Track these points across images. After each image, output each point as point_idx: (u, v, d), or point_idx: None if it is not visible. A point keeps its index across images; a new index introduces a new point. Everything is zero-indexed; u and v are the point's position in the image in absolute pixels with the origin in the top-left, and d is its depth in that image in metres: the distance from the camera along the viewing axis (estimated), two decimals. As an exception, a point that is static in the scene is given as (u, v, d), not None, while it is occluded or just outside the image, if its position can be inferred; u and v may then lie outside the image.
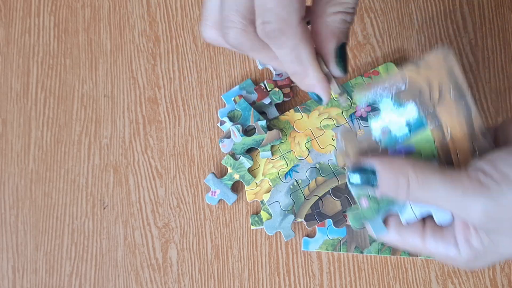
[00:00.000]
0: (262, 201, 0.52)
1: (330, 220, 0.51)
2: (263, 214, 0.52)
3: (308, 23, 0.38)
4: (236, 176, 0.52)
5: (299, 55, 0.33)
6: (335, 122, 0.53)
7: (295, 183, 0.52)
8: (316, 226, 0.52)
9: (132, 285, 0.53)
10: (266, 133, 0.52)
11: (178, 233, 0.53)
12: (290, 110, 0.53)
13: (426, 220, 0.38)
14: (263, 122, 0.52)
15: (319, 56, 0.34)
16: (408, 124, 0.35)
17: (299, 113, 0.53)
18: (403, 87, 0.35)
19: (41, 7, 0.59)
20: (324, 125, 0.53)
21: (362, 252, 0.51)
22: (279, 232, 0.52)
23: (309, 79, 0.35)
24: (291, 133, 0.53)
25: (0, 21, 0.59)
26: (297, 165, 0.52)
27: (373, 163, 0.35)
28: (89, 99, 0.56)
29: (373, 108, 0.52)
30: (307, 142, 0.53)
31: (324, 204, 0.51)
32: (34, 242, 0.54)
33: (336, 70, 0.35)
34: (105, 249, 0.53)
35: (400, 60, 0.55)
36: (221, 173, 0.54)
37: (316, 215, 0.51)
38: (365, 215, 0.37)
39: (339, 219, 0.51)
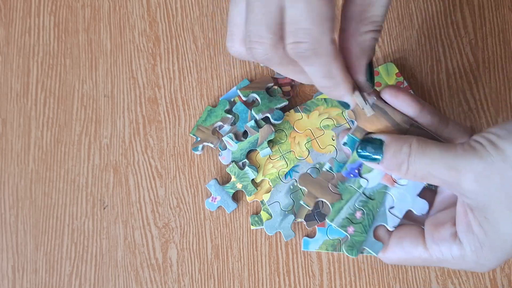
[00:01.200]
0: (262, 201, 0.52)
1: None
2: (263, 214, 0.52)
3: None
4: (239, 186, 0.52)
5: (330, 71, 0.34)
6: (335, 122, 0.53)
7: (295, 183, 0.52)
8: (316, 226, 0.52)
9: (132, 285, 0.53)
10: (258, 132, 0.52)
11: (178, 233, 0.53)
12: (290, 111, 0.53)
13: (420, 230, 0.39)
14: (251, 123, 0.52)
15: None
16: (345, 145, 0.39)
17: (299, 113, 0.53)
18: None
19: (41, 7, 0.59)
20: (324, 125, 0.53)
21: (362, 253, 0.51)
22: (279, 232, 0.52)
23: (338, 91, 0.36)
24: (291, 133, 0.53)
25: (0, 21, 0.59)
26: (297, 165, 0.52)
27: (382, 135, 0.38)
28: (89, 99, 0.56)
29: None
30: (307, 142, 0.53)
31: (324, 204, 0.51)
32: (34, 242, 0.54)
33: (366, 86, 0.37)
34: (105, 249, 0.53)
35: (400, 60, 0.55)
36: (222, 180, 0.54)
37: (316, 215, 0.51)
38: (356, 240, 0.40)
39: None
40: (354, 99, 0.37)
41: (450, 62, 0.55)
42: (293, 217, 0.51)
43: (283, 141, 0.53)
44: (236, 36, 0.35)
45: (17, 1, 0.59)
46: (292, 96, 0.55)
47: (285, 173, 0.52)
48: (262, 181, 0.53)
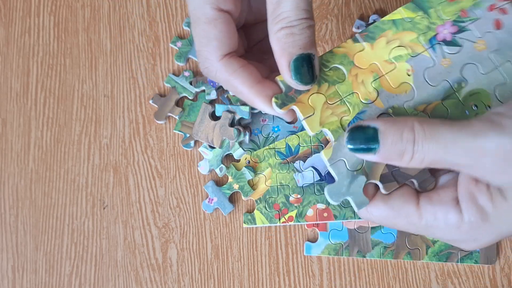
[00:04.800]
0: (256, 200, 0.52)
1: (336, 222, 0.51)
2: (257, 214, 0.52)
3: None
4: (236, 186, 0.52)
5: (234, 87, 0.36)
6: (410, 52, 0.39)
7: None
8: (318, 230, 0.52)
9: (132, 285, 0.52)
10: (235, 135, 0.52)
11: (178, 233, 0.53)
12: (347, 41, 0.40)
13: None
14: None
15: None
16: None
17: (359, 44, 0.39)
18: None
19: (41, 7, 0.59)
20: (396, 56, 0.39)
21: (364, 257, 0.51)
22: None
23: (255, 105, 0.36)
24: (352, 69, 0.39)
25: (0, 21, 0.59)
26: (363, 111, 0.39)
27: (374, 122, 0.34)
28: (89, 99, 0.56)
29: (460, 29, 0.39)
30: (374, 80, 0.39)
31: None
32: (34, 242, 0.54)
33: (293, 83, 0.35)
34: (105, 249, 0.53)
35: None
36: (221, 183, 0.54)
37: (394, 175, 0.38)
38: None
39: (425, 179, 0.38)
40: (281, 112, 0.36)
41: (450, 62, 0.55)
42: (365, 179, 0.37)
43: (341, 81, 0.39)
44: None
45: (17, 1, 0.59)
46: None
47: (348, 121, 0.39)
48: (258, 180, 0.53)
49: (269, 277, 0.52)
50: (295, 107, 0.37)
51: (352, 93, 0.39)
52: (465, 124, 0.31)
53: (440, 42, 0.39)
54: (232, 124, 0.52)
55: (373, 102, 0.39)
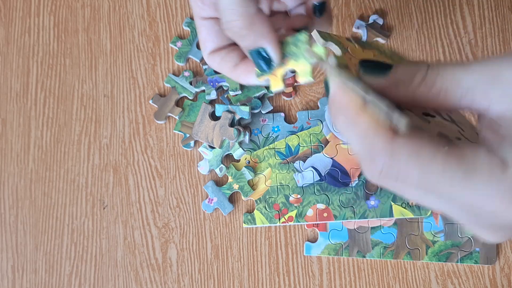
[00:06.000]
0: (256, 200, 0.52)
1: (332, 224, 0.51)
2: (256, 214, 0.52)
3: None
4: (236, 186, 0.52)
5: (223, 72, 0.39)
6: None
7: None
8: (317, 230, 0.52)
9: (131, 285, 0.52)
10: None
11: (178, 233, 0.53)
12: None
13: None
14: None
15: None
16: None
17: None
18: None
19: (41, 7, 0.59)
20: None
21: (364, 257, 0.51)
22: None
23: (242, 80, 0.38)
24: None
25: (0, 21, 0.59)
26: None
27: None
28: (89, 99, 0.56)
29: None
30: None
31: None
32: (34, 242, 0.54)
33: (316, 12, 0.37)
34: (104, 249, 0.53)
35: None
36: (221, 183, 0.54)
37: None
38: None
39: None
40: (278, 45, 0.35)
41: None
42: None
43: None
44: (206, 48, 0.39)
45: (17, 1, 0.59)
46: (293, 97, 0.55)
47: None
48: (258, 180, 0.53)
49: (269, 277, 0.52)
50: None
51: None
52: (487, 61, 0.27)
53: None
54: (232, 124, 0.52)
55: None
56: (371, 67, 0.29)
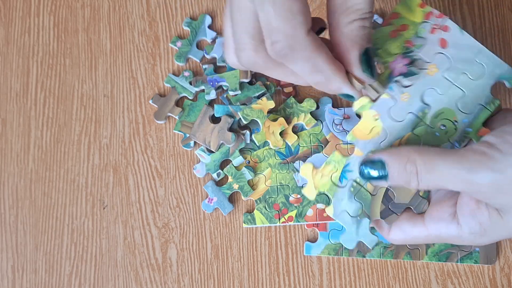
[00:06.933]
0: (256, 200, 0.52)
1: (335, 223, 0.51)
2: (256, 214, 0.52)
3: (320, 31, 0.39)
4: (235, 186, 0.52)
5: (315, 65, 0.34)
6: (369, 100, 0.41)
7: (354, 184, 0.42)
8: (317, 230, 0.52)
9: (131, 285, 0.52)
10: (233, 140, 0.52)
11: (178, 233, 0.53)
12: (262, 98, 0.52)
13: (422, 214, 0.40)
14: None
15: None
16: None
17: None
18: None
19: (41, 7, 0.59)
20: (359, 108, 0.41)
21: (364, 257, 0.51)
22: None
23: (333, 84, 0.35)
24: (266, 122, 0.52)
25: (0, 21, 0.59)
26: (347, 164, 0.41)
27: (380, 155, 0.37)
28: (89, 99, 0.56)
29: (412, 60, 0.41)
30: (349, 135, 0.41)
31: (395, 193, 0.42)
32: (34, 242, 0.54)
33: (364, 77, 0.36)
34: (104, 249, 0.53)
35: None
36: (221, 183, 0.54)
37: (392, 208, 0.42)
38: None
39: (419, 202, 0.42)
40: (355, 90, 0.37)
41: (450, 62, 0.55)
42: (368, 220, 0.42)
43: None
44: (230, 47, 0.36)
45: (17, 1, 0.59)
46: (294, 96, 0.54)
47: (338, 177, 0.42)
48: (257, 181, 0.53)
49: (269, 277, 0.52)
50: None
51: (334, 151, 0.42)
52: (461, 156, 0.34)
53: (397, 78, 0.41)
54: (231, 129, 0.52)
55: (353, 153, 0.41)
56: (370, 176, 0.38)
